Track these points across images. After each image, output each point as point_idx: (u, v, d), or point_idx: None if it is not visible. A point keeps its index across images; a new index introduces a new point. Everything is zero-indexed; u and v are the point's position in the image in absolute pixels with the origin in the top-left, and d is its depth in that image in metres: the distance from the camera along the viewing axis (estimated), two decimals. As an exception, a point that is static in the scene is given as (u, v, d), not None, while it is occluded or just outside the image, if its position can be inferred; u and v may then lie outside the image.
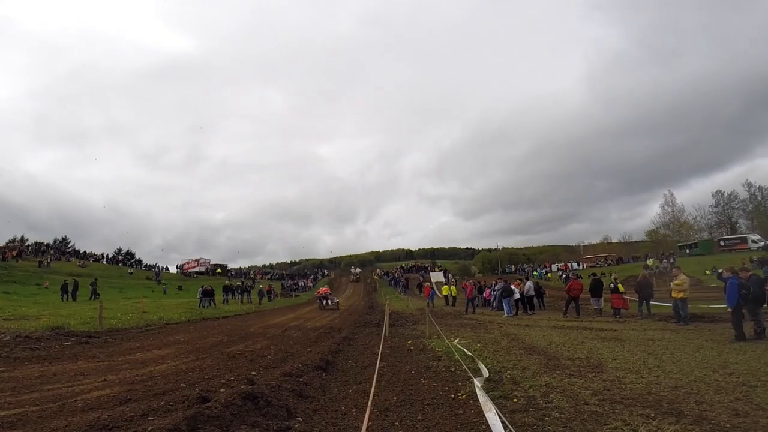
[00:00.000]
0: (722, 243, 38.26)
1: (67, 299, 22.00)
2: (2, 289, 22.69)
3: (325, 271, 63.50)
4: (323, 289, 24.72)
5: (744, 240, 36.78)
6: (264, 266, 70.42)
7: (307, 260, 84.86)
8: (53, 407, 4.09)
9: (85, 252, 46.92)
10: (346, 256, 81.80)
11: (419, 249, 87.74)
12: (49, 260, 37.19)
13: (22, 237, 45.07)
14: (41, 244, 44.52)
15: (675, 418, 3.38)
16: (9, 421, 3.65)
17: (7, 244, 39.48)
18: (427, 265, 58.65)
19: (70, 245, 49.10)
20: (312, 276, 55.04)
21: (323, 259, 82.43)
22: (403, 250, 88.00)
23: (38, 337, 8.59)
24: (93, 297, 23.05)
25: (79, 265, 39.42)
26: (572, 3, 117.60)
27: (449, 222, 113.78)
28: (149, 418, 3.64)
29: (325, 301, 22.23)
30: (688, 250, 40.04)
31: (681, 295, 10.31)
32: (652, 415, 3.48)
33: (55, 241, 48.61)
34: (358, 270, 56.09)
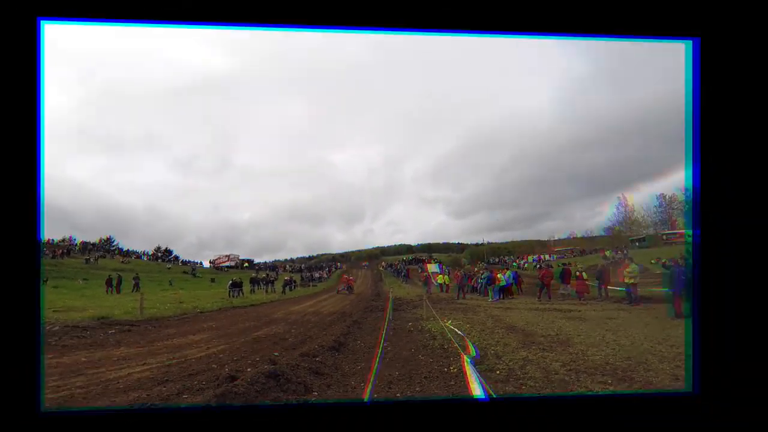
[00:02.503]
0: (664, 237, 38.76)
1: (111, 292, 21.84)
2: (52, 284, 22.36)
3: (338, 264, 63.48)
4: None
5: (681, 235, 37.23)
6: (286, 260, 70.14)
7: (322, 255, 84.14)
8: (97, 389, 4.02)
9: (128, 250, 46.49)
10: (355, 251, 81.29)
11: (418, 244, 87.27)
12: (95, 258, 36.90)
13: (71, 237, 44.51)
14: (88, 243, 44.10)
15: (627, 384, 3.45)
16: (57, 402, 3.60)
17: (58, 243, 39.09)
18: (424, 258, 58.80)
19: (114, 244, 48.69)
20: (327, 268, 55.02)
21: (335, 254, 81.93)
22: (404, 245, 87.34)
23: (85, 326, 8.42)
24: (135, 290, 22.91)
25: (122, 262, 39.14)
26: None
27: (444, 221, 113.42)
28: (183, 396, 3.63)
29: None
30: (638, 243, 40.33)
31: (632, 281, 10.57)
32: (609, 381, 3.55)
33: (100, 241, 48.16)
34: (366, 263, 60.60)
